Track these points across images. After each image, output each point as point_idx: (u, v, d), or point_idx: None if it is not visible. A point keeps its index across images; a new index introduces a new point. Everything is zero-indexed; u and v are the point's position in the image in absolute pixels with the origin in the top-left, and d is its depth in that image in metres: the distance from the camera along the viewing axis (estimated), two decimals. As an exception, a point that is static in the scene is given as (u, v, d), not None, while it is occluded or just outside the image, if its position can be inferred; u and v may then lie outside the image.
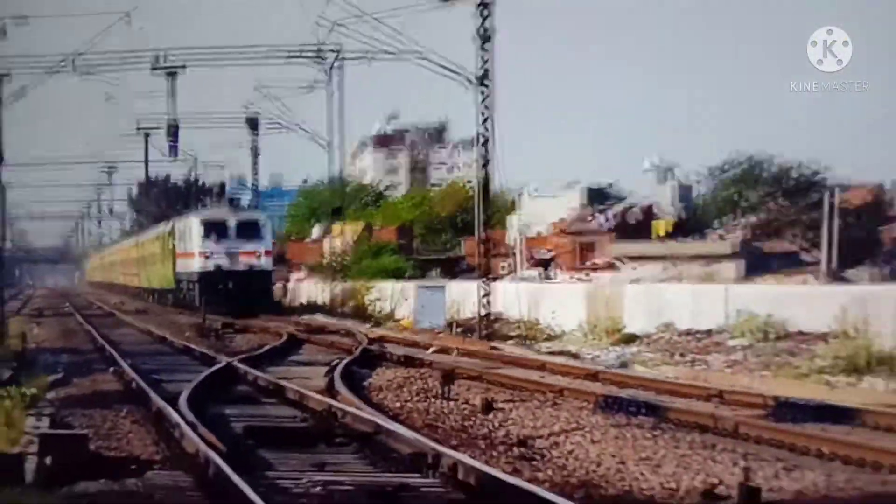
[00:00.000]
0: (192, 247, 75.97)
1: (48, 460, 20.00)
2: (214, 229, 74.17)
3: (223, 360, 35.62)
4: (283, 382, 30.85)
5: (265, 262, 75.48)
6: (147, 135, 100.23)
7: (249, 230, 75.09)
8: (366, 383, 33.50)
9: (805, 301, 43.77)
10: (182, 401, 25.76)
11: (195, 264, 74.62)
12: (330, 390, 29.56)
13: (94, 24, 65.79)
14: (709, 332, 44.50)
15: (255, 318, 66.25)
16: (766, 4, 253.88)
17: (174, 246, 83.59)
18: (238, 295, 70.67)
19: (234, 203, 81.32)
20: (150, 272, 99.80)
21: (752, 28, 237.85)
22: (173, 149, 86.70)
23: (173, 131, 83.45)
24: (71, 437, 21.43)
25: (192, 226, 76.66)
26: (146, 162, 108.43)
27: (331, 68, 76.19)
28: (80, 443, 20.97)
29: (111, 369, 36.04)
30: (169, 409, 24.55)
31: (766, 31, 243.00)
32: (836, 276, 56.05)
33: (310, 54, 70.98)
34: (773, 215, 66.28)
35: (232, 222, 74.50)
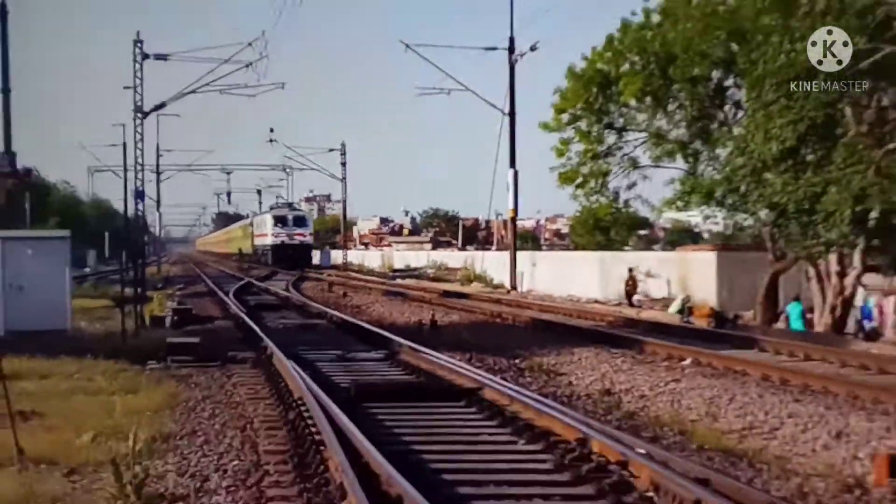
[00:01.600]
0: (266, 230, 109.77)
1: (175, 318, 37.33)
2: (281, 220, 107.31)
3: (247, 279, 62.55)
4: (269, 286, 56.42)
5: (310, 240, 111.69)
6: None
7: (301, 220, 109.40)
8: (301, 286, 58.94)
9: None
10: (231, 294, 48.93)
11: (269, 239, 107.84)
12: (287, 290, 54.26)
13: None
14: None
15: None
16: None
17: (252, 232, 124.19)
18: (295, 258, 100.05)
19: (291, 206, 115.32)
20: (234, 244, 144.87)
21: None
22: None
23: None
24: (185, 309, 38.93)
25: (266, 219, 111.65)
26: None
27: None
28: (189, 311, 38.81)
29: (202, 283, 62.13)
30: (224, 297, 47.93)
31: None
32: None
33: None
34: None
35: (290, 216, 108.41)
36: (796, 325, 39.12)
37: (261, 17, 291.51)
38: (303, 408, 16.90)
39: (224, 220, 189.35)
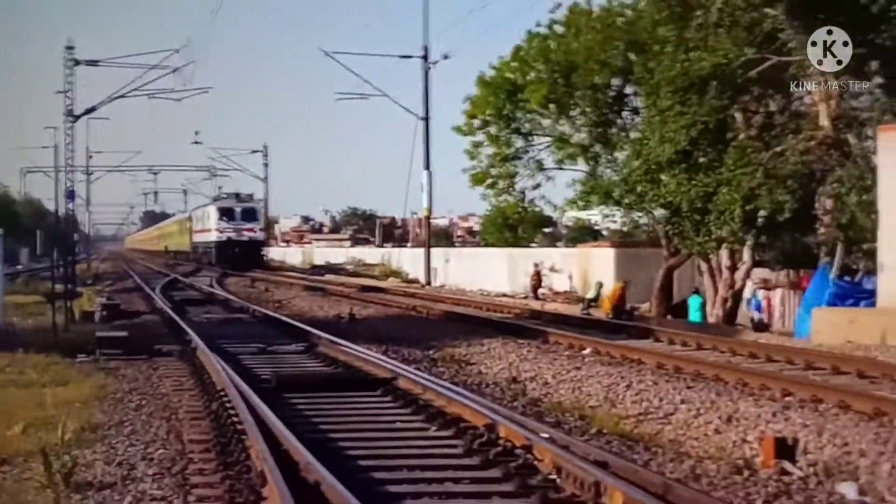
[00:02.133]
0: (209, 225, 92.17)
1: (104, 312, 37.02)
2: (226, 213, 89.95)
3: (173, 275, 62.05)
4: (194, 282, 56.04)
5: (261, 235, 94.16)
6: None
7: (250, 213, 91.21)
8: (225, 282, 58.65)
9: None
10: (157, 290, 48.29)
11: (213, 236, 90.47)
12: (212, 286, 53.93)
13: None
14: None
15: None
16: None
17: (191, 227, 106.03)
18: (242, 257, 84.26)
19: (238, 196, 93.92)
20: (169, 242, 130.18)
21: None
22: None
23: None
24: (113, 304, 38.80)
25: (209, 212, 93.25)
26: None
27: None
28: (117, 306, 38.61)
29: (130, 280, 61.52)
30: (151, 292, 47.45)
31: None
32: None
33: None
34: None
35: (238, 209, 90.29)
36: (695, 316, 39.41)
37: (188, 25, 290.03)
38: (225, 398, 16.79)
39: (151, 218, 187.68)
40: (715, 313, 40.20)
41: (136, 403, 18.09)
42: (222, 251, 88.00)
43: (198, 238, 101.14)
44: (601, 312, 38.76)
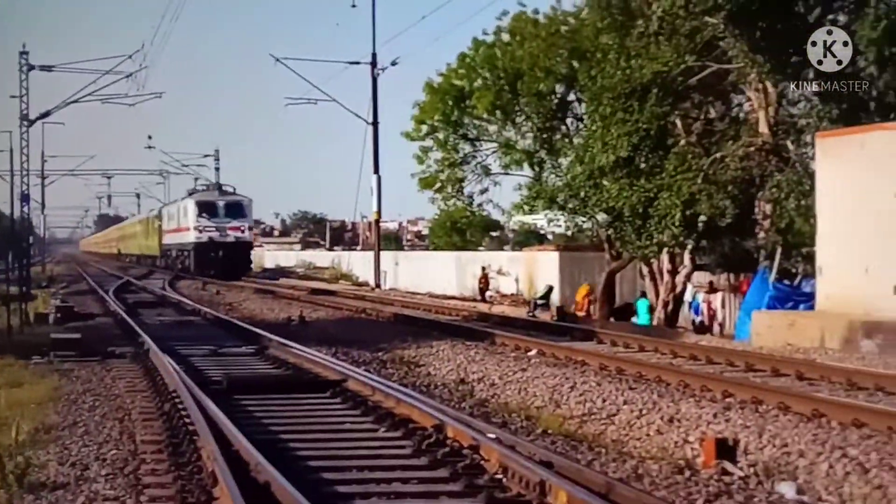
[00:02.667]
0: (186, 223, 76.61)
1: (58, 315, 36.67)
2: (206, 208, 74.91)
3: (126, 277, 61.66)
4: (146, 285, 55.75)
5: (248, 236, 77.68)
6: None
7: (236, 209, 75.91)
8: (177, 285, 58.34)
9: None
10: (111, 292, 47.99)
11: (191, 237, 75.20)
12: (164, 289, 53.63)
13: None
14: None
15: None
16: None
17: (160, 226, 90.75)
18: (226, 262, 71.76)
19: (221, 188, 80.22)
20: (130, 244, 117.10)
21: None
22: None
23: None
24: (68, 307, 38.40)
25: (186, 207, 77.08)
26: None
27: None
28: (71, 308, 38.29)
29: (84, 282, 61.09)
30: (104, 295, 47.03)
31: None
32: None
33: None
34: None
35: (221, 203, 75.46)
36: (644, 319, 39.52)
37: (140, 31, 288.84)
38: (178, 400, 16.70)
39: (105, 221, 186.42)
40: (657, 316, 40.33)
41: (90, 404, 17.95)
42: (202, 255, 74.18)
43: (170, 239, 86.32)
44: (579, 312, 38.94)
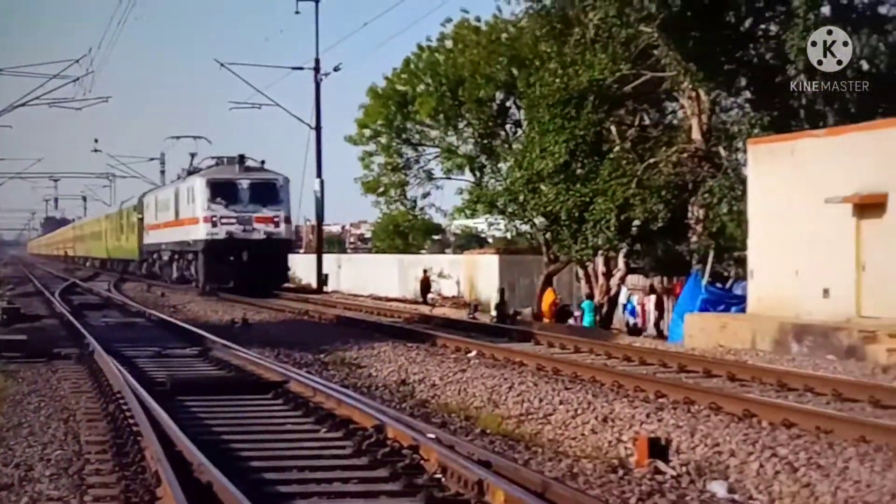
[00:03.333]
0: (192, 212, 54.00)
1: (5, 316, 35.77)
2: (223, 191, 52.66)
3: (72, 279, 61.20)
4: (92, 287, 55.17)
5: (285, 230, 53.22)
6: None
7: (266, 192, 52.92)
8: (122, 287, 57.70)
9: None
10: (57, 294, 47.19)
11: (200, 231, 52.56)
12: (109, 290, 52.95)
13: None
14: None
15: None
16: None
17: (141, 220, 69.65)
18: (251, 268, 50.94)
19: (242, 160, 54.31)
20: (93, 246, 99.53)
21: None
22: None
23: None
24: (14, 308, 37.47)
25: (194, 188, 54.24)
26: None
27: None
28: (17, 310, 37.39)
29: (31, 284, 60.46)
30: (50, 297, 46.38)
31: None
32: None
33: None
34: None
35: (245, 183, 52.75)
36: (588, 320, 39.57)
37: (87, 36, 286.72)
38: (122, 401, 16.58)
39: (52, 224, 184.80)
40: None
41: (35, 405, 17.77)
42: (217, 259, 51.80)
43: (157, 237, 64.58)
44: (546, 320, 39.15)
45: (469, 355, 24.83)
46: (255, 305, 43.57)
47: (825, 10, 33.72)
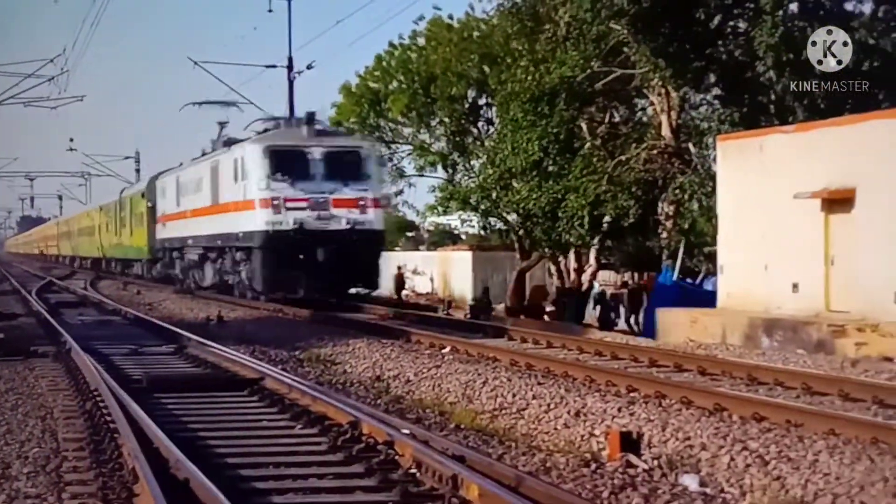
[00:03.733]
0: (246, 193, 38.92)
1: None
2: (288, 163, 37.96)
3: (49, 278, 61.01)
4: (69, 285, 55.05)
5: (375, 218, 38.32)
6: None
7: (348, 165, 38.27)
8: (98, 285, 57.56)
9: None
10: (34, 292, 46.98)
11: (256, 220, 38.00)
12: (86, 289, 52.96)
13: None
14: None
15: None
16: None
17: (150, 208, 57.31)
18: (331, 271, 37.13)
19: (312, 121, 39.45)
20: (82, 243, 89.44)
21: None
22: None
23: None
24: None
25: (244, 160, 39.41)
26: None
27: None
28: None
29: (8, 282, 60.26)
30: (27, 295, 45.94)
31: None
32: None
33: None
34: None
35: (317, 153, 38.12)
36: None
37: (62, 35, 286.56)
38: (99, 398, 16.55)
39: (29, 223, 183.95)
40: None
41: (13, 403, 17.70)
42: (282, 257, 37.77)
43: (179, 229, 49.96)
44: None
45: (443, 351, 24.83)
46: (230, 303, 43.48)
47: (793, 6, 33.98)
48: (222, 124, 51.32)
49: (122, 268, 70.86)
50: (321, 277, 36.85)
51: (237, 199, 39.49)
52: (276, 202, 37.02)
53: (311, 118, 39.37)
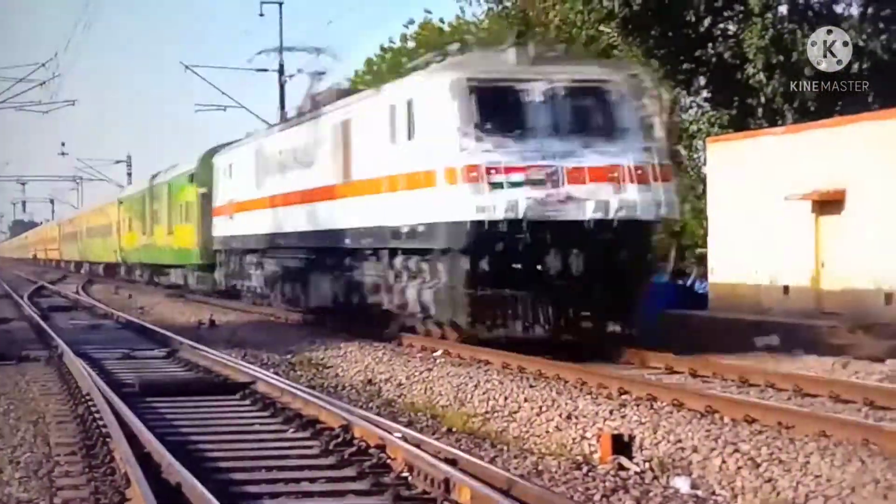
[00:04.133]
0: (425, 158, 22.96)
1: None
2: (505, 107, 22.01)
3: (41, 282, 60.89)
4: (61, 289, 55.07)
5: (664, 197, 22.38)
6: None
7: (601, 108, 23.05)
8: (89, 290, 57.62)
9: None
10: (25, 297, 47.43)
11: (452, 203, 21.88)
12: (78, 293, 53.13)
13: None
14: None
15: None
16: None
17: (206, 195, 44.39)
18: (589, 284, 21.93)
19: (545, 48, 25.04)
20: (92, 246, 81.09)
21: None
22: None
23: None
24: None
25: (423, 101, 23.15)
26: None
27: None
28: None
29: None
30: (19, 299, 46.59)
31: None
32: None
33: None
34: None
35: (547, 87, 21.99)
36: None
37: (54, 40, 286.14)
38: (91, 403, 16.54)
39: (20, 227, 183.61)
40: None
41: (4, 408, 17.67)
42: (502, 266, 21.92)
43: (265, 223, 35.97)
44: None
45: (435, 354, 24.78)
46: (221, 307, 43.43)
47: (782, 8, 34.00)
48: (319, 74, 40.39)
49: (150, 276, 58.28)
50: (561, 302, 22.56)
51: (402, 170, 24.27)
52: (491, 173, 21.39)
53: (521, 34, 27.56)
